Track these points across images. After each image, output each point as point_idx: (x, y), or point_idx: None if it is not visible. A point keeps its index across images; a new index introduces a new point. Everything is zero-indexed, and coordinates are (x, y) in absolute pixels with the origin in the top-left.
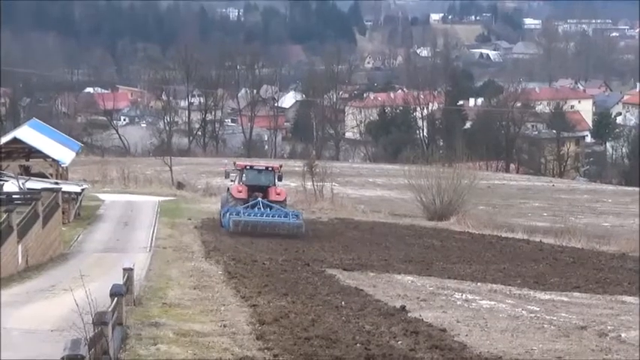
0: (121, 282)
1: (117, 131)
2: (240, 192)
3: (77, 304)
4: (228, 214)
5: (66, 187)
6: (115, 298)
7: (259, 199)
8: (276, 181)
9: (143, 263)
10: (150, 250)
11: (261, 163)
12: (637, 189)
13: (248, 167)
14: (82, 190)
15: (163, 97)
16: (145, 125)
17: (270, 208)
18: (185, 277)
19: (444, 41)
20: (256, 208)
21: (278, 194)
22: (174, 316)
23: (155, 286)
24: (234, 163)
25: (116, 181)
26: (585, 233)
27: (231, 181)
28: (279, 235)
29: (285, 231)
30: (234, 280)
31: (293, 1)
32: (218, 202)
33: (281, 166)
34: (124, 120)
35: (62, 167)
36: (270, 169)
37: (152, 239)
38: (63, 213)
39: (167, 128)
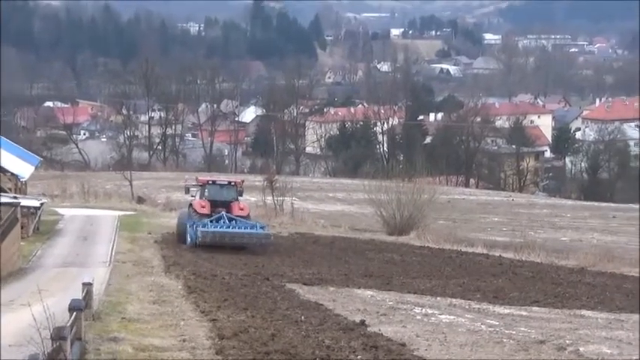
0: (80, 297)
1: (77, 145)
2: (203, 207)
3: (35, 319)
4: (194, 226)
5: (25, 202)
6: (74, 313)
7: (223, 213)
8: (238, 196)
9: (102, 278)
10: (109, 265)
11: (222, 178)
12: (596, 203)
13: (210, 182)
14: (41, 204)
15: (123, 111)
16: (105, 139)
17: (235, 221)
18: (145, 291)
19: (404, 56)
20: (221, 221)
21: (241, 209)
22: (134, 330)
23: (114, 301)
24: (197, 179)
25: (76, 195)
26: (544, 248)
27: (192, 196)
28: (248, 245)
29: (254, 241)
30: (193, 295)
31: (253, 16)
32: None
33: (243, 181)
34: (84, 134)
35: (21, 182)
36: (232, 184)
37: (112, 254)
38: (22, 227)
39: (127, 142)
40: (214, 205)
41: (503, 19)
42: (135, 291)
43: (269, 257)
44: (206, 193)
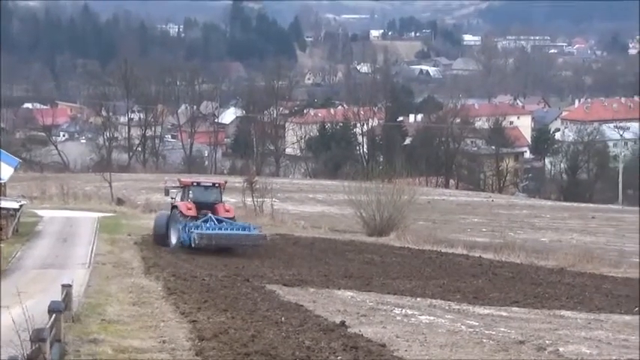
0: (59, 298)
1: (56, 147)
2: (189, 209)
3: (14, 321)
4: (187, 228)
5: (4, 204)
6: (54, 315)
7: (210, 215)
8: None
9: (82, 279)
10: (89, 267)
11: (201, 179)
12: (575, 204)
13: (195, 184)
14: (21, 206)
15: (103, 112)
16: (84, 141)
17: (224, 222)
18: (124, 293)
19: (383, 57)
20: (210, 223)
21: (227, 211)
22: (113, 332)
23: (94, 303)
24: (179, 180)
25: (55, 197)
26: (524, 248)
27: (172, 198)
28: (244, 246)
29: (250, 242)
30: (173, 296)
31: (233, 17)
32: None
33: (225, 182)
34: (64, 136)
35: (0, 183)
36: (216, 185)
37: (91, 255)
38: (1, 229)
39: (107, 144)
40: (199, 207)
41: (482, 20)
42: (114, 292)
43: (249, 258)
44: (190, 195)
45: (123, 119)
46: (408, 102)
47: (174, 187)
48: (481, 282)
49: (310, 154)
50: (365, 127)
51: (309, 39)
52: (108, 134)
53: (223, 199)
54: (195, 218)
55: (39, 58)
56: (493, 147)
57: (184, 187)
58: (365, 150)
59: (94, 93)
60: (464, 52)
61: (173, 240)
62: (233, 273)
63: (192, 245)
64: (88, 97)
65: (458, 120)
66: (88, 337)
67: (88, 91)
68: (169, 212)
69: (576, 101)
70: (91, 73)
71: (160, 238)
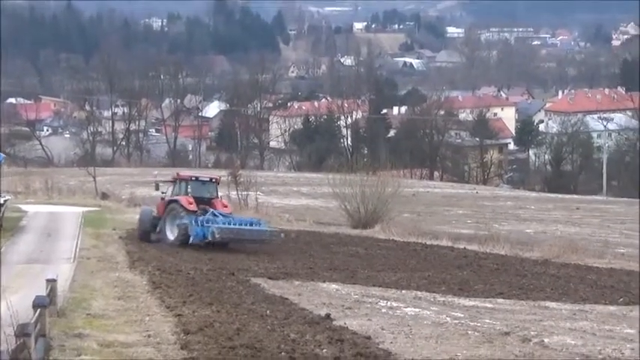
0: (44, 293)
1: (40, 142)
2: (191, 204)
3: None
4: (199, 222)
5: None
6: (38, 310)
7: (211, 210)
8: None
9: (67, 274)
10: (74, 261)
11: (196, 173)
12: (559, 195)
13: (193, 178)
14: (5, 201)
15: (87, 107)
16: (68, 135)
17: (226, 217)
18: (109, 287)
19: (367, 50)
20: (220, 218)
21: (225, 207)
22: (99, 327)
23: (79, 297)
24: (177, 174)
25: (39, 192)
26: (509, 240)
27: (163, 192)
28: (262, 242)
29: (267, 237)
30: (158, 290)
31: (216, 12)
32: None
33: (220, 178)
34: (47, 130)
35: None
36: (213, 180)
37: (76, 250)
38: None
39: (91, 138)
40: (197, 201)
41: (465, 13)
42: (99, 287)
43: (234, 252)
44: (189, 190)
45: (107, 114)
46: (391, 94)
47: (163, 182)
48: (466, 274)
49: (294, 147)
50: (349, 119)
51: (293, 32)
52: (92, 129)
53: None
54: (196, 213)
55: (22, 53)
56: (477, 139)
57: (180, 182)
58: (349, 142)
59: (77, 88)
60: (447, 45)
61: (170, 236)
62: (218, 266)
63: (210, 239)
64: (71, 91)
65: (442, 112)
66: (73, 331)
67: (72, 86)
68: (152, 208)
69: (560, 92)
70: (74, 68)
71: (145, 234)
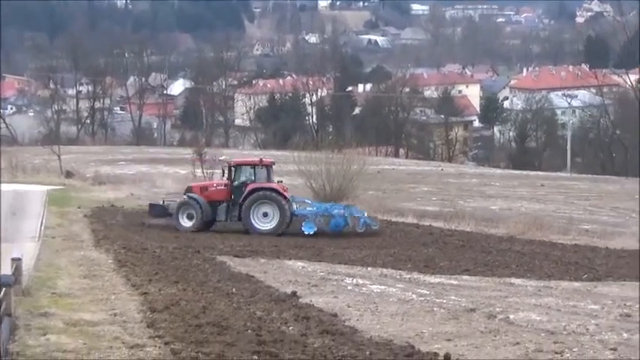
0: (9, 272)
1: (4, 120)
2: (285, 191)
3: None
4: (340, 213)
5: None
6: (3, 289)
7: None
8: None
9: (32, 253)
10: (38, 240)
11: (253, 158)
12: (524, 172)
13: (259, 164)
14: None
15: (51, 85)
16: (32, 114)
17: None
18: (75, 266)
19: (332, 28)
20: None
21: (285, 191)
22: (64, 305)
23: (44, 276)
24: (261, 159)
25: (4, 170)
26: (474, 217)
27: (223, 177)
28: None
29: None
30: (124, 269)
31: None
32: (109, 191)
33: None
34: (11, 109)
35: None
36: (273, 164)
37: (41, 229)
38: None
39: (55, 117)
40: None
41: None
42: (65, 266)
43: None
44: (253, 176)
45: (71, 92)
46: (356, 72)
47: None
48: (431, 251)
49: (259, 125)
50: (314, 97)
51: (257, 10)
52: (56, 107)
53: (174, 171)
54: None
55: None
56: (442, 116)
57: (240, 167)
58: (314, 120)
59: (41, 66)
60: (412, 22)
61: (257, 225)
62: (184, 245)
63: (360, 230)
64: (35, 69)
65: (407, 89)
66: (39, 310)
67: (36, 64)
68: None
69: (524, 70)
70: (38, 46)
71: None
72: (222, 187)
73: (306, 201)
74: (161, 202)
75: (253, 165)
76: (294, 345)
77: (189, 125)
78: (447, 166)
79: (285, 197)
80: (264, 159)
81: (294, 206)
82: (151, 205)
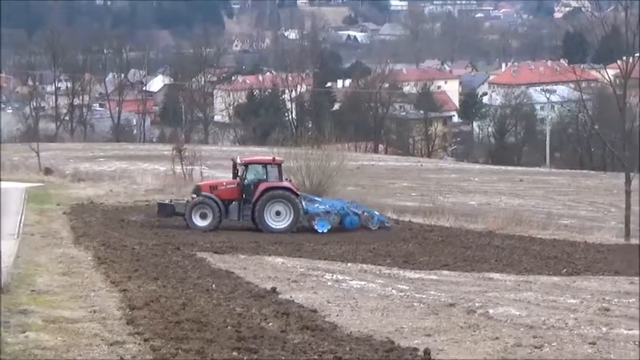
0: None
1: None
2: (297, 189)
3: None
4: (352, 211)
5: None
6: None
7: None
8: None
9: (11, 250)
10: (17, 237)
11: (263, 156)
12: (503, 167)
13: (271, 162)
14: None
15: (29, 82)
16: (10, 111)
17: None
18: (54, 263)
19: (311, 23)
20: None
21: (297, 188)
22: (43, 303)
23: (23, 273)
24: (274, 158)
25: None
26: (453, 212)
27: (238, 176)
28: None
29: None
30: (103, 266)
31: None
32: (88, 188)
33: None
34: None
35: None
36: (280, 163)
37: (20, 226)
38: None
39: (34, 114)
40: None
41: None
42: (44, 263)
43: (179, 227)
44: (264, 175)
45: (50, 88)
46: (336, 68)
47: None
48: (411, 246)
49: (239, 121)
50: (293, 93)
51: (237, 6)
52: (35, 104)
53: (152, 167)
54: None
55: None
56: (421, 111)
57: (262, 166)
58: (294, 116)
59: (19, 62)
60: (391, 18)
61: (273, 224)
62: (163, 241)
63: (373, 228)
64: (13, 66)
65: (386, 85)
66: (18, 308)
67: (14, 61)
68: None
69: (503, 65)
70: (16, 43)
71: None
72: (233, 186)
73: (315, 198)
74: (169, 202)
75: (265, 164)
76: (273, 341)
77: (168, 122)
78: (427, 162)
79: (298, 196)
80: (276, 157)
81: (304, 204)
82: (160, 205)
